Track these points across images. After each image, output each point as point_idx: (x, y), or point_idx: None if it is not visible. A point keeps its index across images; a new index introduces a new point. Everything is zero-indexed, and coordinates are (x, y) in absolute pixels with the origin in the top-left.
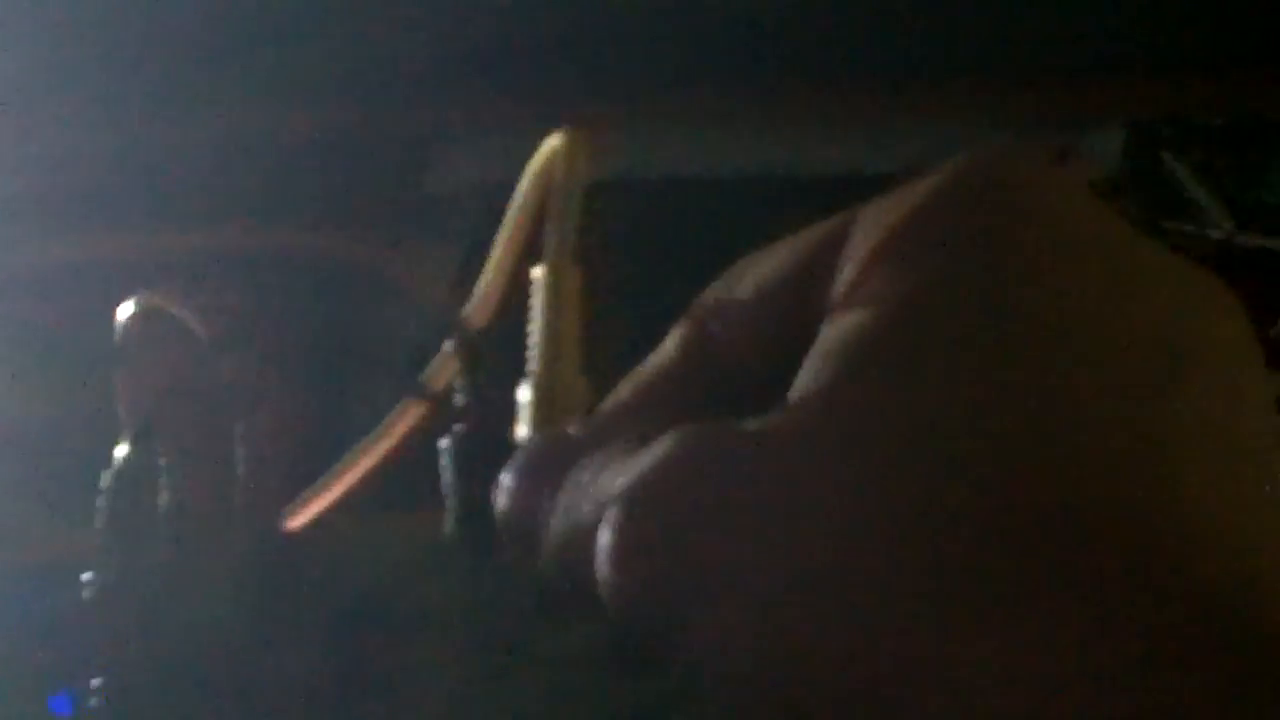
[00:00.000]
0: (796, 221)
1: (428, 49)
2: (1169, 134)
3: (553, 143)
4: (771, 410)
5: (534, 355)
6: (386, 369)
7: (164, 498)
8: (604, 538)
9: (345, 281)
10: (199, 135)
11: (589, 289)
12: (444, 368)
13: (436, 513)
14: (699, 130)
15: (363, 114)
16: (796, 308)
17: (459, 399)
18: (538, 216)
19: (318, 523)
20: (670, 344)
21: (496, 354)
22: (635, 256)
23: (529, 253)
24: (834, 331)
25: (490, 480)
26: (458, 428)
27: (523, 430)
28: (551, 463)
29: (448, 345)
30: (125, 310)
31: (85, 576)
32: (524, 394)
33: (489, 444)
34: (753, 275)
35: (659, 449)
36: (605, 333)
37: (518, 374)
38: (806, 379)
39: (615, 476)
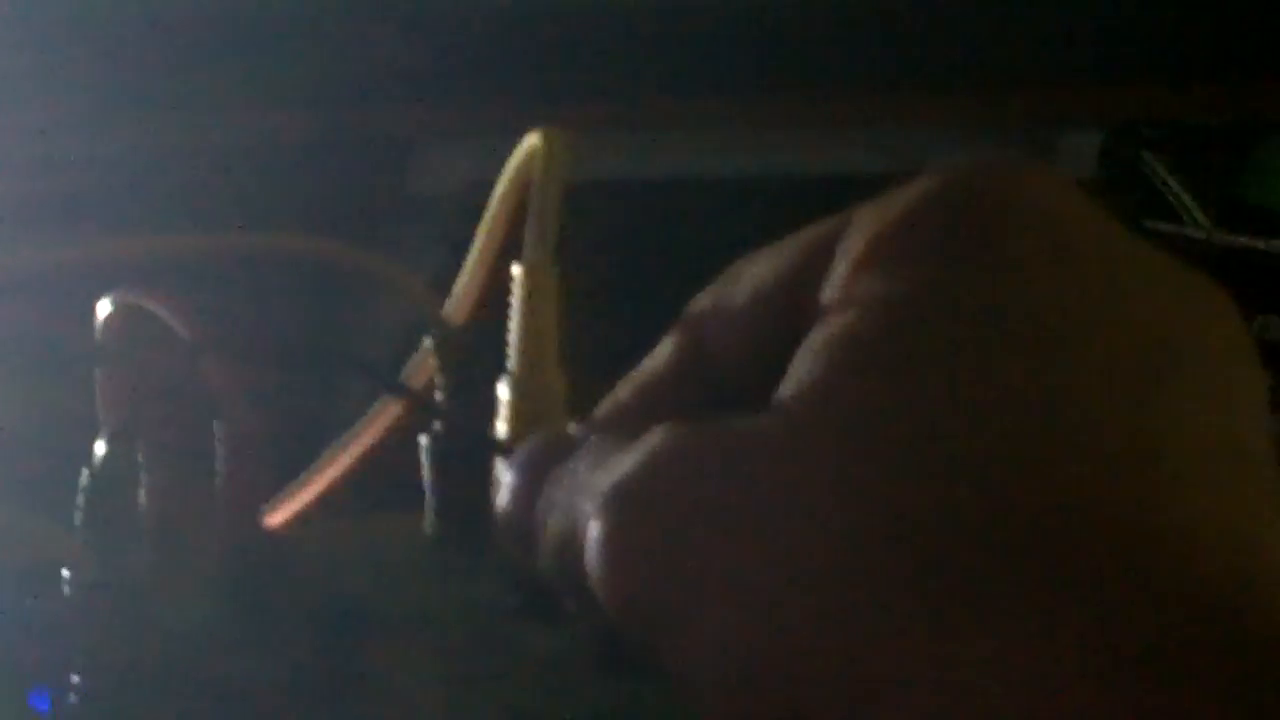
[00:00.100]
0: (777, 224)
1: (410, 51)
2: (1148, 134)
3: (532, 142)
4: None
5: (513, 353)
6: (367, 368)
7: (143, 496)
8: (592, 534)
9: (326, 281)
10: (180, 137)
11: (569, 289)
12: (423, 366)
13: (417, 511)
14: (680, 132)
15: (345, 115)
16: (791, 309)
17: (438, 397)
18: (517, 215)
19: (298, 521)
20: (666, 346)
21: (476, 352)
22: (616, 257)
23: (508, 251)
24: (825, 330)
25: (469, 477)
26: (437, 425)
27: (502, 428)
28: (550, 462)
29: (427, 343)
30: (105, 309)
31: (64, 574)
32: (503, 392)
33: (468, 441)
34: (747, 277)
35: (645, 446)
36: (585, 332)
37: (497, 372)
38: (795, 376)
39: (604, 474)
